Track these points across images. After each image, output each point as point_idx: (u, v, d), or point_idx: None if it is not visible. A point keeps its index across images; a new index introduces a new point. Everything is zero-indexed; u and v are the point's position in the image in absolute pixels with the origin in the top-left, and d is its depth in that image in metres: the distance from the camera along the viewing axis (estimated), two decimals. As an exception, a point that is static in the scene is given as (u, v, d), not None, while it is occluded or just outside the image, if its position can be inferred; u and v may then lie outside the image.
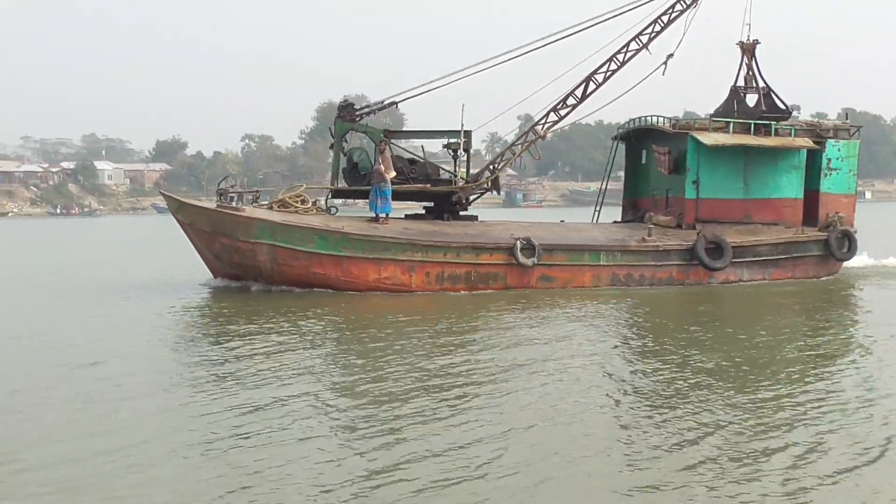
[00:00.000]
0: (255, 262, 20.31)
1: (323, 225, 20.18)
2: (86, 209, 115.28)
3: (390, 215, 21.59)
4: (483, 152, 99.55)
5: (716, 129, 22.74)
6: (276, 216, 20.37)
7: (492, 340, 14.73)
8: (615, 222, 24.79)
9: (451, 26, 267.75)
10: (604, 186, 26.72)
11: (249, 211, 20.49)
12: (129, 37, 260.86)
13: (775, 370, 12.32)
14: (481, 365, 12.55)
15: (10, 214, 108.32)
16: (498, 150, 25.01)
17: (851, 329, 16.58)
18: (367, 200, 21.93)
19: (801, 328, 16.64)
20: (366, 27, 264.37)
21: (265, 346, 13.93)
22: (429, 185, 22.56)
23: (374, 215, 21.40)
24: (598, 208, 26.28)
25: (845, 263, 23.71)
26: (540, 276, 20.64)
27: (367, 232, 20.20)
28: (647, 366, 12.70)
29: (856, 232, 23.42)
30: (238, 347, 13.93)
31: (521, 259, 20.29)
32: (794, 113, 26.93)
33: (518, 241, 20.34)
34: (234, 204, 20.73)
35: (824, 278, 22.61)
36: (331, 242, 19.95)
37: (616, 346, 14.43)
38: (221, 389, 11.14)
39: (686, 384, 11.37)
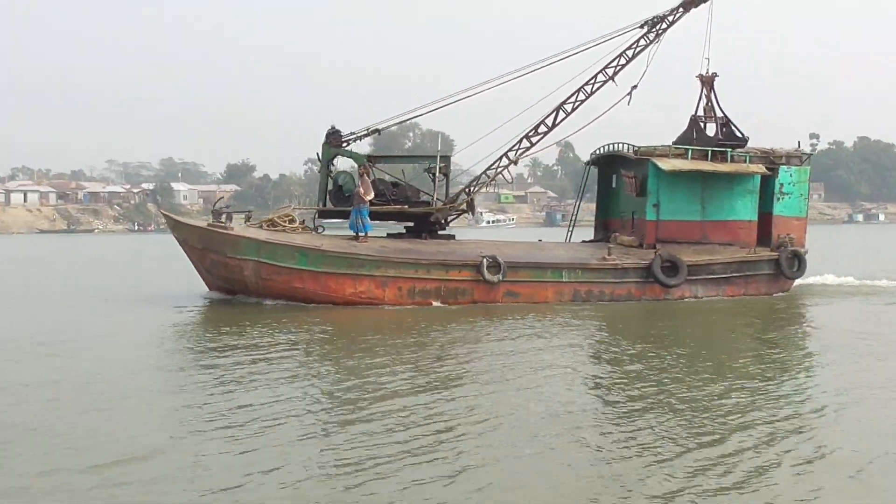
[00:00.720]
0: (241, 276, 22.02)
1: (303, 242, 21.85)
2: (161, 226, 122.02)
3: (370, 234, 23.28)
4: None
5: (676, 156, 24.36)
6: (261, 234, 22.09)
7: (454, 350, 15.95)
8: (583, 241, 26.38)
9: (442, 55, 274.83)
10: (576, 208, 28.45)
11: (238, 229, 22.20)
12: (203, 69, 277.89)
13: (718, 374, 13.59)
14: (447, 372, 13.72)
15: (95, 231, 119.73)
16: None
17: (790, 338, 18.26)
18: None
19: (745, 338, 18.22)
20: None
21: (246, 354, 15.26)
22: (407, 207, 24.26)
23: (354, 234, 23.12)
24: (570, 228, 27.98)
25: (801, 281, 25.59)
26: (506, 292, 22.23)
27: (344, 249, 21.86)
28: (598, 371, 14.07)
29: (806, 252, 25.03)
30: (222, 357, 15.02)
31: (488, 276, 21.90)
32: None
33: (485, 259, 21.96)
34: (225, 223, 22.48)
35: (776, 295, 24.17)
36: (310, 259, 21.61)
37: (575, 357, 15.36)
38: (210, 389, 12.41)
39: (642, 391, 12.24)
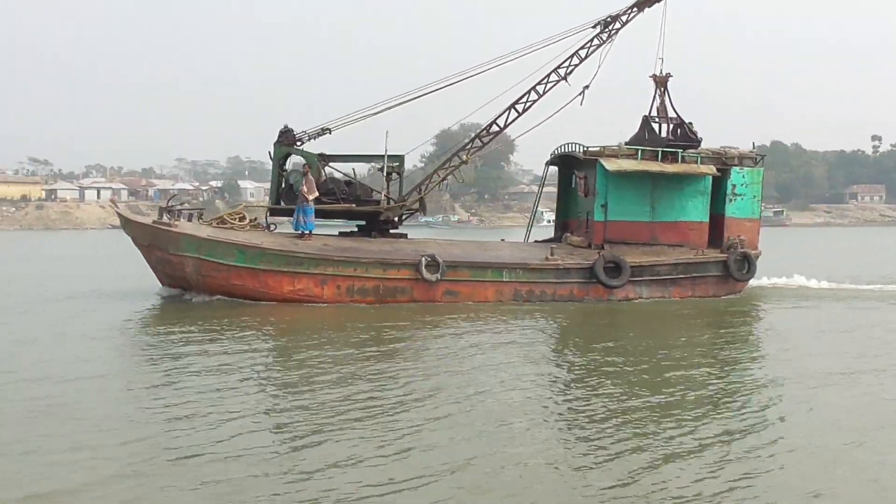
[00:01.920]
0: (182, 273, 22.19)
1: (242, 240, 21.99)
2: None
3: (314, 232, 23.37)
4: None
5: (626, 156, 24.22)
6: (201, 231, 22.24)
7: (387, 348, 16.17)
8: (536, 241, 26.30)
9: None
10: (535, 208, 28.43)
11: (180, 226, 22.38)
12: (267, 71, 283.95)
13: (649, 369, 14.04)
14: (380, 369, 13.92)
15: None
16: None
17: (733, 337, 18.38)
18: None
19: (679, 338, 18.10)
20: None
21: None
22: (355, 206, 24.33)
23: (299, 232, 23.23)
24: (528, 228, 27.91)
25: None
26: (445, 291, 22.23)
27: (283, 247, 21.95)
28: (520, 371, 14.05)
29: (759, 254, 24.79)
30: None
31: (426, 274, 21.91)
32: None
33: (423, 258, 21.98)
34: (171, 220, 22.67)
35: (725, 297, 23.95)
36: (249, 256, 21.72)
37: (507, 355, 15.45)
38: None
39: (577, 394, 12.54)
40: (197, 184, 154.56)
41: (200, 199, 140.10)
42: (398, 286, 22.10)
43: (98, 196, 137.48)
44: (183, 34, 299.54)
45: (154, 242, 22.53)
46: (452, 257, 22.52)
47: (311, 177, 23.39)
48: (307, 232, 23.11)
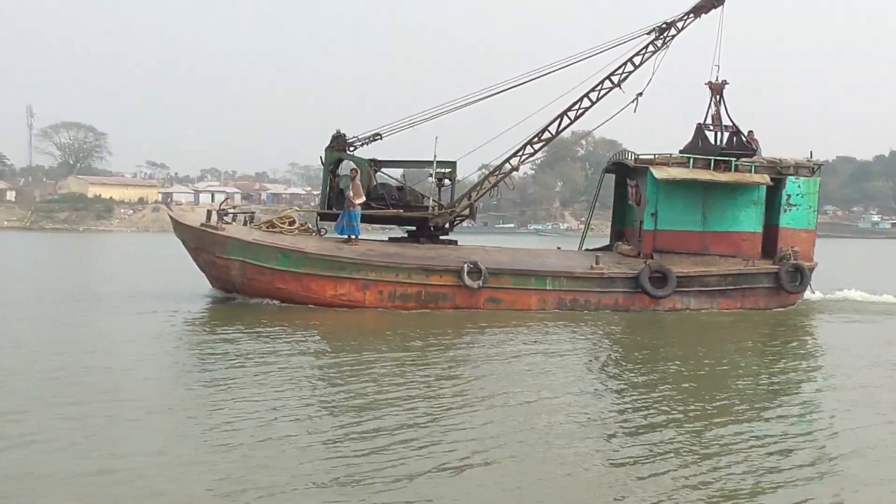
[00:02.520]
0: (228, 275, 22.55)
1: (286, 244, 22.23)
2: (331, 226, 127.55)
3: (360, 237, 23.50)
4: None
5: (677, 164, 23.80)
6: (247, 235, 22.55)
7: (430, 356, 15.88)
8: (587, 249, 25.97)
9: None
10: (590, 215, 28.14)
11: (228, 230, 22.73)
12: (379, 76, 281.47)
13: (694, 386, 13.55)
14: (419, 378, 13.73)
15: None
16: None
17: (782, 356, 17.34)
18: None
19: (730, 354, 17.15)
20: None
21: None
22: (402, 211, 24.37)
23: (345, 237, 23.39)
24: (583, 236, 27.64)
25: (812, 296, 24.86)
26: (487, 298, 22.13)
27: (325, 252, 22.13)
28: (550, 381, 13.74)
29: (814, 266, 24.09)
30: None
31: (468, 281, 21.86)
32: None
33: (465, 265, 21.92)
34: (218, 224, 23.02)
35: (776, 310, 23.31)
36: (292, 260, 21.96)
37: (548, 364, 15.21)
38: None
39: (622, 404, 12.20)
40: (309, 188, 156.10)
41: (311, 203, 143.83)
42: (440, 293, 22.09)
43: (212, 199, 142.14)
44: (299, 41, 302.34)
45: (201, 245, 22.94)
46: (495, 264, 22.41)
47: (357, 182, 23.53)
48: (354, 237, 23.26)
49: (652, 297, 22.44)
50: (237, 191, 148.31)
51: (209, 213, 23.48)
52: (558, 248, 27.64)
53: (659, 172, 23.21)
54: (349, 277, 21.96)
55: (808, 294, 25.77)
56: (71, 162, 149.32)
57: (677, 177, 23.20)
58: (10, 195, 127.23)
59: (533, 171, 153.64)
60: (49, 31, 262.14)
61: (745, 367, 15.69)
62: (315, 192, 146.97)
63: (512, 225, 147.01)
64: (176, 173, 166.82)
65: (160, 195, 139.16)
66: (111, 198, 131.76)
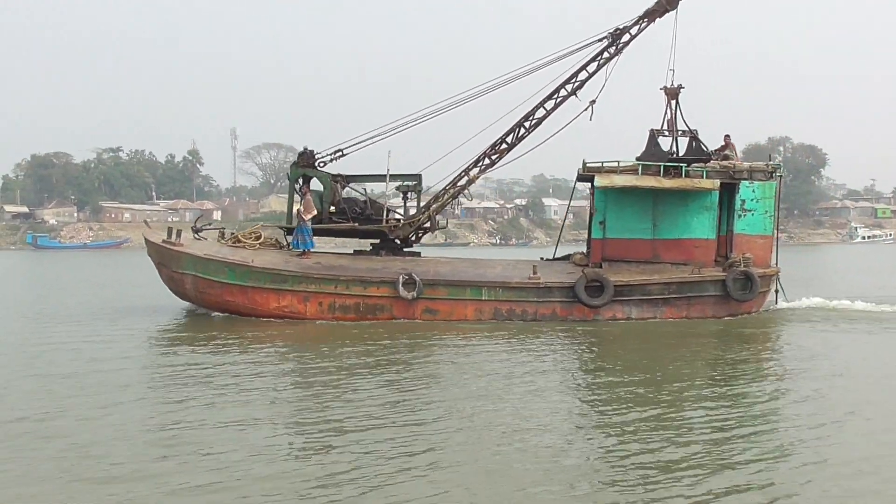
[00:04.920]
0: (184, 289, 23.67)
1: (235, 258, 23.13)
2: (520, 241, 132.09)
3: (312, 250, 24.23)
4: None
5: (626, 171, 23.52)
6: (199, 250, 23.58)
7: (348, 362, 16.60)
8: (543, 259, 25.90)
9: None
10: (563, 224, 28.00)
11: (183, 245, 23.81)
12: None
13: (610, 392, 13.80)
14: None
15: (470, 245, 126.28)
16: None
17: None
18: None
19: (642, 362, 16.88)
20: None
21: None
22: (356, 225, 24.94)
23: (300, 251, 24.15)
24: (557, 244, 27.53)
25: (788, 304, 24.14)
26: (424, 309, 22.45)
27: (268, 265, 22.91)
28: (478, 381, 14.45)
29: (775, 273, 23.38)
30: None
31: (403, 292, 22.24)
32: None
33: (400, 276, 22.33)
34: (176, 240, 24.07)
35: (726, 318, 22.71)
36: (238, 274, 22.84)
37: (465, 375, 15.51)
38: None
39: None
40: (502, 202, 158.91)
41: (505, 216, 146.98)
42: (378, 304, 22.55)
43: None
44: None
45: (162, 261, 24.12)
46: (433, 276, 22.70)
47: (309, 197, 24.28)
48: (306, 250, 24.00)
49: (588, 307, 22.27)
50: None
51: (170, 230, 24.64)
52: (541, 258, 27.43)
53: (601, 180, 23.04)
54: (291, 290, 22.68)
55: (782, 302, 25.07)
56: (272, 181, 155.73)
57: (618, 184, 22.96)
58: (217, 215, 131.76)
59: None
60: (251, 56, 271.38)
61: (642, 380, 15.09)
62: (508, 206, 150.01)
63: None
64: (372, 189, 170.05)
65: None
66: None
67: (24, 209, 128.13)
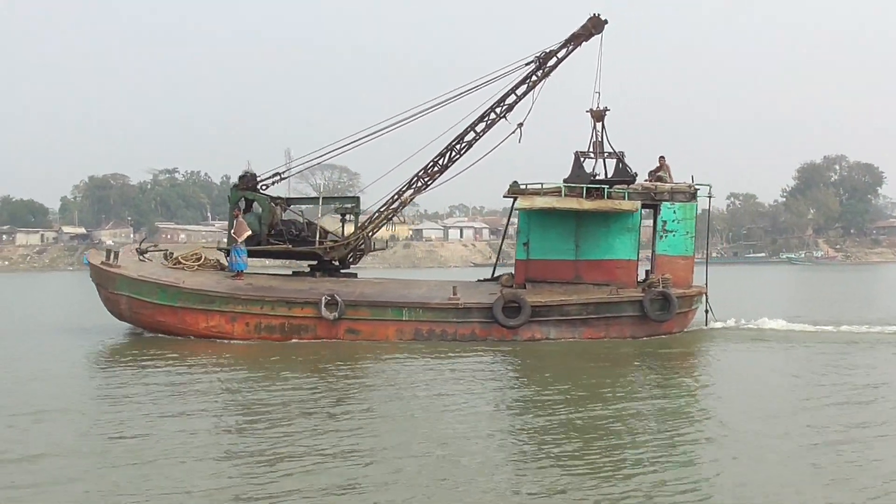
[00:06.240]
0: (119, 309, 24.32)
1: (163, 280, 23.74)
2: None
3: (245, 271, 24.80)
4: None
5: (549, 193, 23.90)
6: (134, 271, 24.21)
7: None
8: (480, 280, 26.32)
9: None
10: (501, 244, 28.41)
11: (121, 267, 24.46)
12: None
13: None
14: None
15: (451, 266, 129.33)
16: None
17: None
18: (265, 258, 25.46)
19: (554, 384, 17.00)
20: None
21: None
22: (290, 246, 25.49)
23: (234, 272, 24.73)
24: (495, 265, 27.92)
25: (720, 325, 24.54)
26: (346, 329, 22.92)
27: (197, 286, 23.50)
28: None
29: (699, 293, 23.74)
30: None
31: (325, 313, 22.74)
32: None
33: (323, 297, 22.83)
34: (112, 262, 24.72)
35: (645, 339, 22.98)
36: (169, 294, 23.45)
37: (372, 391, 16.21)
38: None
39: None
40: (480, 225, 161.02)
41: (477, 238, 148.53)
42: (302, 324, 23.06)
43: (461, 235, 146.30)
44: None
45: (100, 282, 24.78)
46: (357, 297, 23.18)
47: (241, 219, 24.87)
48: (239, 272, 24.59)
49: (506, 327, 22.63)
50: (485, 226, 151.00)
51: (108, 252, 25.33)
52: (483, 279, 27.43)
53: (522, 202, 23.45)
54: (219, 310, 23.25)
55: (713, 322, 25.35)
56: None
57: (537, 206, 23.35)
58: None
59: (784, 199, 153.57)
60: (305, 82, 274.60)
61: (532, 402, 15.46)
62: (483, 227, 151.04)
63: (763, 254, 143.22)
64: (426, 210, 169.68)
65: (410, 232, 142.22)
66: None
67: (82, 230, 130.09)
